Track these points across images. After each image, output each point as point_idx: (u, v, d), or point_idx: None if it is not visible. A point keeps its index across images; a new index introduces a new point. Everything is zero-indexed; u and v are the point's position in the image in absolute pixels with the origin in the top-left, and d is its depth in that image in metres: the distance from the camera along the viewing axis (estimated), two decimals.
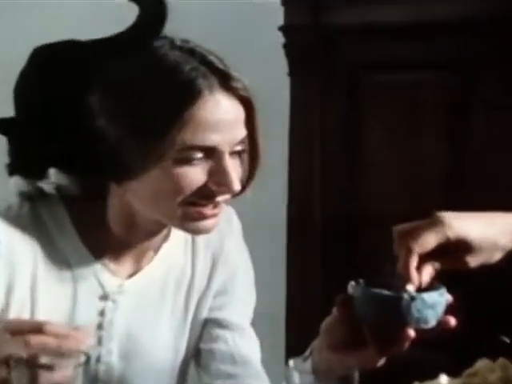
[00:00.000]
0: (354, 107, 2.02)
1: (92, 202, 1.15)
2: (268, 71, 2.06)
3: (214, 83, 1.06)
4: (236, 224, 1.31)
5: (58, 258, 1.14)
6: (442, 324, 0.95)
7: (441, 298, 0.93)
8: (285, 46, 2.03)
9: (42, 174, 1.13)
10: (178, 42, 1.09)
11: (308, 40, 2.00)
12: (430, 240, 0.92)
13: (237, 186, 1.09)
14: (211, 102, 1.06)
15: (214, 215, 1.11)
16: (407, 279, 0.92)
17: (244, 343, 1.29)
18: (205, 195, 1.09)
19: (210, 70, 1.06)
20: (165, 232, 1.22)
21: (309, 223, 2.03)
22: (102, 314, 1.18)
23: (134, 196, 1.11)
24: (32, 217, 1.14)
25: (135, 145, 1.05)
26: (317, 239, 2.03)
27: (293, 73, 2.03)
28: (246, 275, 1.32)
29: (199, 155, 1.07)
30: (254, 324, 1.32)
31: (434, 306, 0.92)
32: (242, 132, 1.10)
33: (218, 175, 1.08)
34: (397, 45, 1.93)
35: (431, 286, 0.94)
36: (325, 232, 2.03)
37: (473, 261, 0.95)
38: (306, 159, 2.05)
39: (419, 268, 0.93)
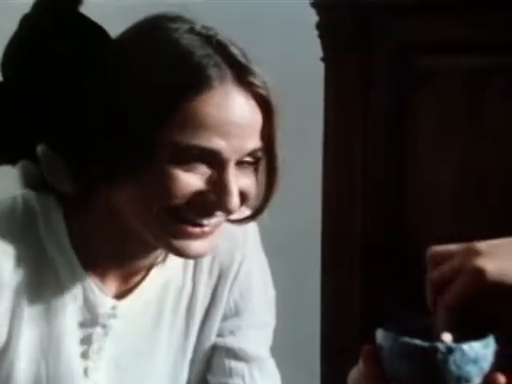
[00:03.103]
0: (403, 101, 1.85)
1: (86, 204, 1.09)
2: (299, 56, 1.98)
3: (228, 75, 1.01)
4: (251, 228, 1.22)
5: (46, 266, 1.08)
6: (488, 382, 0.86)
7: (485, 350, 0.85)
8: (318, 26, 1.85)
9: (28, 151, 1.06)
10: (198, 28, 1.04)
11: (345, 18, 1.84)
12: (464, 293, 0.86)
13: (233, 205, 1.02)
14: (220, 96, 1.00)
15: (204, 235, 1.04)
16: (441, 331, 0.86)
17: (262, 378, 1.21)
18: (199, 207, 1.02)
19: (225, 61, 1.01)
20: (160, 255, 1.14)
21: (346, 248, 1.90)
22: (88, 341, 1.11)
23: (120, 199, 1.05)
24: (25, 213, 1.08)
25: (125, 135, 1.00)
26: (356, 265, 1.89)
27: (328, 58, 1.87)
28: (263, 293, 1.24)
29: (198, 159, 1.01)
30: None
31: (476, 359, 0.84)
32: (254, 142, 1.03)
33: (215, 187, 1.02)
34: (455, 23, 1.77)
35: (478, 334, 0.86)
36: (365, 258, 1.89)
37: None
38: (343, 170, 1.89)
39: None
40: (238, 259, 1.20)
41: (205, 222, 1.03)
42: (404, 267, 1.82)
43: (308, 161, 2.00)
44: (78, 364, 1.10)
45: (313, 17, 1.84)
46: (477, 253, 0.87)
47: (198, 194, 1.02)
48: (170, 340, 1.17)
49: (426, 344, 0.84)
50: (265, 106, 1.04)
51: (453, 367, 0.83)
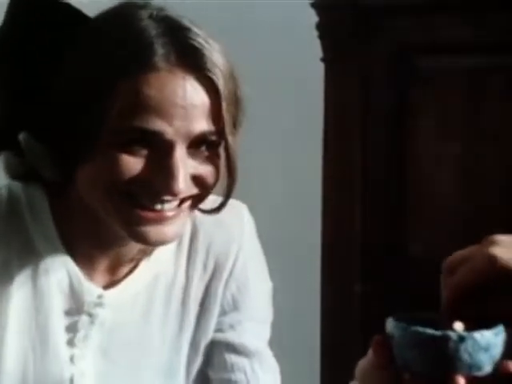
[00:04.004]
0: (403, 101, 1.86)
1: (69, 191, 1.07)
2: (299, 56, 1.96)
3: (172, 56, 0.98)
4: (247, 221, 1.20)
5: (32, 253, 1.08)
6: (499, 370, 0.85)
7: (496, 338, 0.84)
8: (318, 26, 1.87)
9: (9, 142, 1.06)
10: (156, 12, 1.02)
11: (345, 19, 1.85)
12: (468, 278, 0.85)
13: (178, 188, 0.99)
14: (162, 77, 0.98)
15: (162, 220, 1.01)
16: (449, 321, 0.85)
17: (263, 372, 1.20)
18: (148, 191, 1.00)
19: (173, 43, 0.99)
20: (146, 247, 1.12)
21: (346, 248, 1.89)
22: (73, 328, 1.10)
23: (80, 186, 1.04)
24: (9, 202, 1.08)
25: (75, 117, 0.99)
26: (356, 265, 1.89)
27: (328, 58, 1.87)
28: (260, 286, 1.21)
29: (142, 142, 0.99)
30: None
31: (488, 347, 0.83)
32: (201, 125, 1.00)
33: (160, 171, 0.99)
34: (455, 23, 1.78)
35: (487, 324, 0.85)
36: (365, 258, 1.89)
37: None
38: (343, 170, 1.89)
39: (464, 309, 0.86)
40: (234, 252, 1.18)
41: (158, 207, 1.01)
42: (404, 267, 1.82)
43: (308, 161, 2.00)
44: (64, 351, 1.10)
45: (313, 17, 1.84)
46: (492, 242, 0.87)
47: (144, 178, 1.00)
48: (164, 334, 1.16)
49: (437, 333, 0.83)
50: (213, 89, 1.00)
51: (465, 355, 0.83)
